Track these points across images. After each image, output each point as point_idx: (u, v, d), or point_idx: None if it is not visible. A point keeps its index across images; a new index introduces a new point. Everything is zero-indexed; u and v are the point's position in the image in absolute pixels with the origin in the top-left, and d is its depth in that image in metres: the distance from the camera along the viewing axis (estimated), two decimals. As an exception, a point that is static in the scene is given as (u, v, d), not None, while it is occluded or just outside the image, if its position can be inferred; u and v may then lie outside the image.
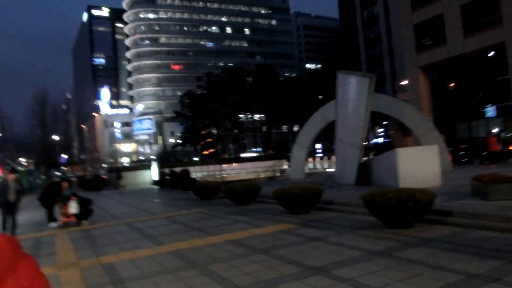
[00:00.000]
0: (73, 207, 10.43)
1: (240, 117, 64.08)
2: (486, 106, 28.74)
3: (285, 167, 31.47)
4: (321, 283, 4.22)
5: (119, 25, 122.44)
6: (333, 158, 29.17)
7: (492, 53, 26.83)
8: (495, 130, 24.74)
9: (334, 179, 14.81)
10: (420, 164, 10.47)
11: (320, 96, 58.02)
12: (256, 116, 65.43)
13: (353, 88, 13.11)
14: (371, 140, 69.66)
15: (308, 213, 9.21)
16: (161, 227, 9.22)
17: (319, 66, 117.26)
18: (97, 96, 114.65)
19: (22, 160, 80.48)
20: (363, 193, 7.06)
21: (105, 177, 35.51)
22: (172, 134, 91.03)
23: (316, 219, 8.43)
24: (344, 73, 13.84)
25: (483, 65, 27.98)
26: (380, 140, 70.68)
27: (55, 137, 62.22)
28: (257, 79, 55.41)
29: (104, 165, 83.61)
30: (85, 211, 10.74)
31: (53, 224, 10.93)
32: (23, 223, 12.19)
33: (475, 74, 28.81)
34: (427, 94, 32.01)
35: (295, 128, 72.23)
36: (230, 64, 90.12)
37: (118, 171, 33.83)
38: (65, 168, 67.76)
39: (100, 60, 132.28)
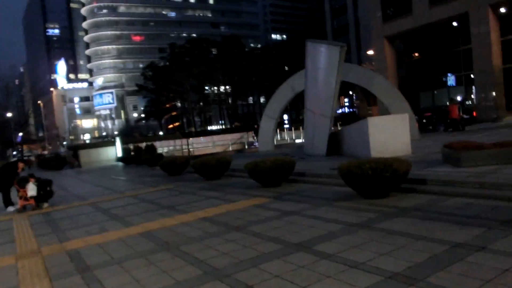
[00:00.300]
0: (31, 189, 9.73)
1: (206, 90, 62.79)
2: (447, 75, 29.49)
3: (252, 139, 31.23)
4: (304, 260, 4.02)
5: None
6: (302, 129, 29.27)
7: (455, 23, 27.25)
8: (458, 98, 25.48)
9: (304, 150, 14.72)
10: (391, 133, 10.48)
11: (286, 68, 57.63)
12: (222, 89, 64.38)
13: (323, 58, 12.84)
14: (337, 110, 70.65)
15: (280, 185, 9.03)
16: (128, 207, 8.78)
17: (284, 37, 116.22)
18: (53, 70, 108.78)
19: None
20: (338, 164, 6.90)
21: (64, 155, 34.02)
22: (135, 108, 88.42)
23: (290, 191, 8.27)
24: (314, 42, 13.52)
25: (447, 35, 28.44)
26: (346, 110, 71.82)
27: (8, 114, 58.79)
28: (223, 50, 54.07)
29: (64, 142, 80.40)
30: (45, 193, 10.07)
31: (11, 209, 10.20)
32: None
33: (439, 44, 29.29)
34: (392, 64, 32.38)
35: (262, 100, 71.83)
36: (193, 35, 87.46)
37: (78, 148, 32.45)
38: (21, 147, 64.50)
39: (54, 31, 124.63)
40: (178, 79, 52.25)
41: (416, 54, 32.51)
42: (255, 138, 31.45)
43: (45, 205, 10.12)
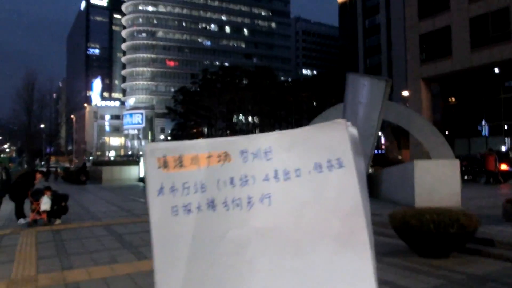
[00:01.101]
0: (45, 203, 9.11)
1: (234, 118, 62.77)
2: (482, 123, 27.95)
3: None
4: None
5: (117, 16, 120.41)
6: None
7: (497, 69, 26.10)
8: (503, 149, 23.89)
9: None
10: (439, 180, 9.39)
11: (315, 103, 57.06)
12: (250, 119, 64.34)
13: (366, 92, 12.00)
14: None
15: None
16: (143, 234, 7.95)
17: (315, 72, 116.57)
18: (89, 87, 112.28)
19: (5, 146, 78.04)
20: (380, 209, 5.90)
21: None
22: (163, 131, 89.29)
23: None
24: (356, 74, 12.74)
25: (488, 81, 27.24)
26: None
27: (41, 126, 60.15)
28: (254, 79, 54.21)
29: (90, 157, 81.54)
30: (59, 208, 9.43)
31: (22, 221, 9.59)
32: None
33: (478, 90, 28.07)
34: (428, 107, 31.21)
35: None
36: (226, 64, 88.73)
37: (102, 164, 32.22)
38: (48, 158, 65.63)
39: (94, 51, 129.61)
40: (207, 105, 52.42)
41: (453, 99, 31.30)
42: None
43: (57, 221, 9.45)
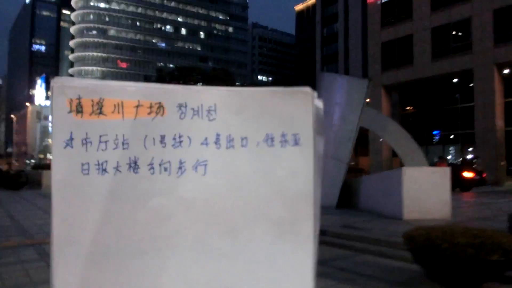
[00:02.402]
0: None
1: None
2: (434, 132, 28.38)
3: None
4: None
5: (65, 11, 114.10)
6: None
7: (456, 79, 26.58)
8: (469, 156, 24.15)
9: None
10: (429, 190, 8.50)
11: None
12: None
13: (343, 92, 11.04)
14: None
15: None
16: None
17: (270, 79, 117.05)
18: (33, 86, 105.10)
19: None
20: (407, 230, 4.76)
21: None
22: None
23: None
24: (333, 74, 11.78)
25: (446, 91, 27.72)
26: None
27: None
28: (211, 82, 52.61)
29: (32, 160, 75.78)
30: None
31: None
32: None
33: (437, 99, 28.51)
34: (387, 114, 31.34)
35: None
36: (173, 66, 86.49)
37: (43, 168, 29.28)
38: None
39: (40, 47, 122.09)
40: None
41: (411, 107, 31.69)
42: None
43: (-26, 240, 7.48)
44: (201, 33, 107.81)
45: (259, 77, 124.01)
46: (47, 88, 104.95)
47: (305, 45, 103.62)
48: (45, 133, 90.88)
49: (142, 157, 1.20)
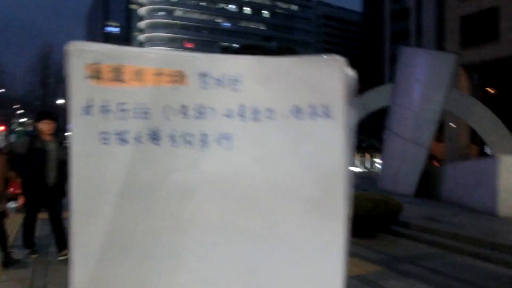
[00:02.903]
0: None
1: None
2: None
3: None
4: None
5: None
6: (367, 156, 26.07)
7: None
8: None
9: (378, 184, 11.74)
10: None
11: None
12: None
13: (427, 69, 9.92)
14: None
15: (374, 237, 6.14)
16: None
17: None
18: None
19: (23, 119, 77.76)
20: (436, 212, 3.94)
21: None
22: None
23: (400, 255, 5.36)
24: (414, 48, 10.64)
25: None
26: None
27: (59, 101, 59.35)
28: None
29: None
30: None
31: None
32: None
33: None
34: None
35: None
36: (237, 46, 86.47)
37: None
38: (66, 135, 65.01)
39: (113, 29, 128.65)
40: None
41: (494, 90, 28.60)
42: None
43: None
44: (265, 11, 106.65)
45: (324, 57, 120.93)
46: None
47: (372, 23, 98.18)
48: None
49: (163, 128, 1.11)
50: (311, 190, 1.15)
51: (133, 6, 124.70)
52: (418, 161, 9.97)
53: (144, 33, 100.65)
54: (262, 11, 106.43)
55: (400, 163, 10.61)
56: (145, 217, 1.11)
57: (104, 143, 1.10)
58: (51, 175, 4.81)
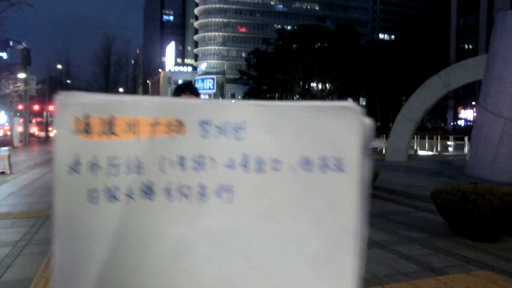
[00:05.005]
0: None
1: (312, 83, 58.91)
2: None
3: (378, 144, 26.26)
4: None
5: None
6: (434, 138, 23.94)
7: None
8: None
9: (466, 170, 10.31)
10: None
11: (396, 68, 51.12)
12: (327, 84, 60.36)
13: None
14: (451, 123, 61.76)
15: (497, 241, 4.96)
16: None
17: (393, 36, 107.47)
18: (163, 53, 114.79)
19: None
20: None
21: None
22: (233, 96, 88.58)
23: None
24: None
25: None
26: (461, 123, 62.55)
27: (120, 90, 62.02)
28: (335, 40, 49.64)
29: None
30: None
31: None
32: (40, 187, 9.24)
33: None
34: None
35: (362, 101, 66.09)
36: (295, 28, 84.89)
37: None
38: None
39: (169, 17, 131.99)
40: (284, 67, 49.15)
41: None
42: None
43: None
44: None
45: (381, 35, 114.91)
46: (176, 54, 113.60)
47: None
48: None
49: (158, 181, 1.06)
50: (318, 248, 1.10)
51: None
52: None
53: (198, 20, 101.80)
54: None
55: (498, 146, 9.13)
56: (136, 276, 1.07)
57: (92, 202, 1.05)
58: None
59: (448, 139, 27.29)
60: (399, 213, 6.59)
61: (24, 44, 34.84)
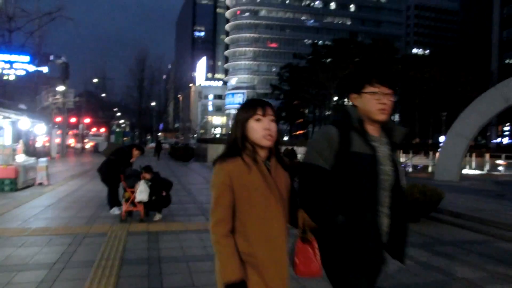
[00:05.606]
0: (140, 192, 6.60)
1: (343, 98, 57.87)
2: None
3: (419, 161, 25.01)
4: None
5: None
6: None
7: None
8: None
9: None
10: None
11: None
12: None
13: None
14: (492, 140, 58.85)
15: None
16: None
17: (427, 51, 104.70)
18: (194, 68, 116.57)
19: (121, 121, 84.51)
20: None
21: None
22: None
23: None
24: None
25: None
26: (505, 140, 59.51)
27: (152, 103, 62.97)
28: (371, 53, 48.46)
29: (195, 135, 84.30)
30: (158, 199, 6.87)
31: (116, 211, 7.32)
32: (78, 200, 8.89)
33: None
34: None
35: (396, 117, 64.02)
36: (327, 43, 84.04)
37: (207, 142, 31.05)
38: (156, 134, 69.03)
39: (200, 33, 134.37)
40: (319, 81, 48.20)
41: None
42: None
43: (157, 216, 6.93)
44: (351, 6, 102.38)
45: (414, 50, 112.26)
46: (207, 69, 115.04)
47: (473, 8, 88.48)
48: (204, 110, 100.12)
49: None
50: None
51: (219, 10, 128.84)
52: None
53: (229, 35, 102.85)
54: (349, 6, 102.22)
55: None
56: None
57: None
58: None
59: (498, 158, 25.62)
60: (476, 242, 5.73)
61: (63, 59, 35.83)
